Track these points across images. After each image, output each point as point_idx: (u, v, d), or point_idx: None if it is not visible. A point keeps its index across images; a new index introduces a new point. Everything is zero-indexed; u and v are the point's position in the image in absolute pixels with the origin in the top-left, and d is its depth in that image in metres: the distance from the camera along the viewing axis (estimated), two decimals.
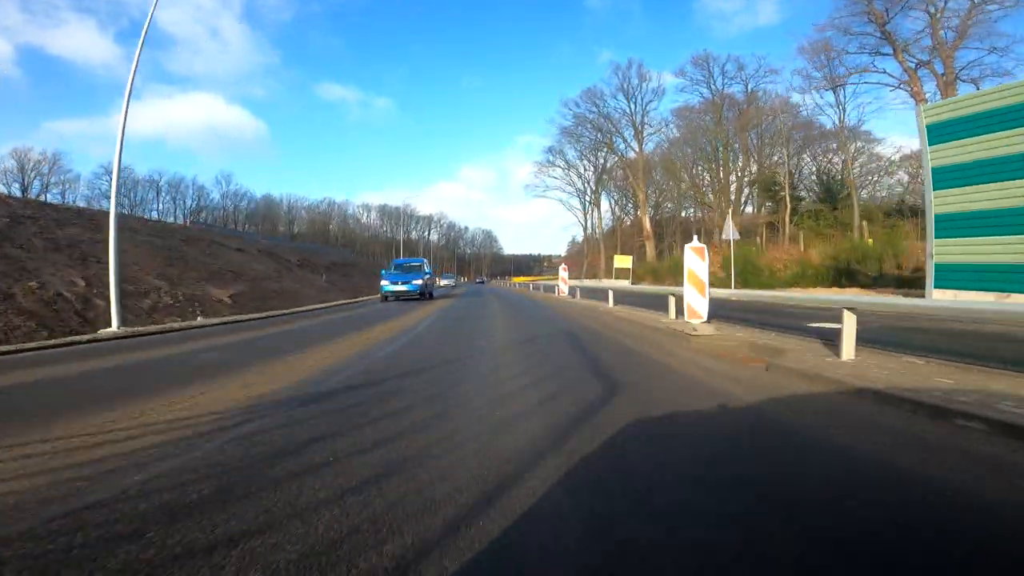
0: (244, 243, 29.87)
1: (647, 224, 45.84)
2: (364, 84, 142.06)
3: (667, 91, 62.48)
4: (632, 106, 46.98)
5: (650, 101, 46.97)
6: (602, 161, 55.35)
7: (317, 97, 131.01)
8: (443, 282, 43.39)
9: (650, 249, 44.49)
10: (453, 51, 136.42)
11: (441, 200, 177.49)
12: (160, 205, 66.51)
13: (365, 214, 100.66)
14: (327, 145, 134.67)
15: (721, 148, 40.95)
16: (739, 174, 41.23)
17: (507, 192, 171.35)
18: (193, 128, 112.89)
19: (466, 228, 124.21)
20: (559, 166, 57.58)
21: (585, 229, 63.80)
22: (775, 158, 38.51)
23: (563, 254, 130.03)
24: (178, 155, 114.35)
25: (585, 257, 61.91)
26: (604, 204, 61.40)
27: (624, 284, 28.05)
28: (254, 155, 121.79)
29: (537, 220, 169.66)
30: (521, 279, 78.29)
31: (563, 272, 18.21)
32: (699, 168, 44.37)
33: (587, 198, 61.29)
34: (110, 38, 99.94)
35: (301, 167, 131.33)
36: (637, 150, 46.68)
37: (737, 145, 41.05)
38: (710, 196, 41.40)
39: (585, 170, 57.83)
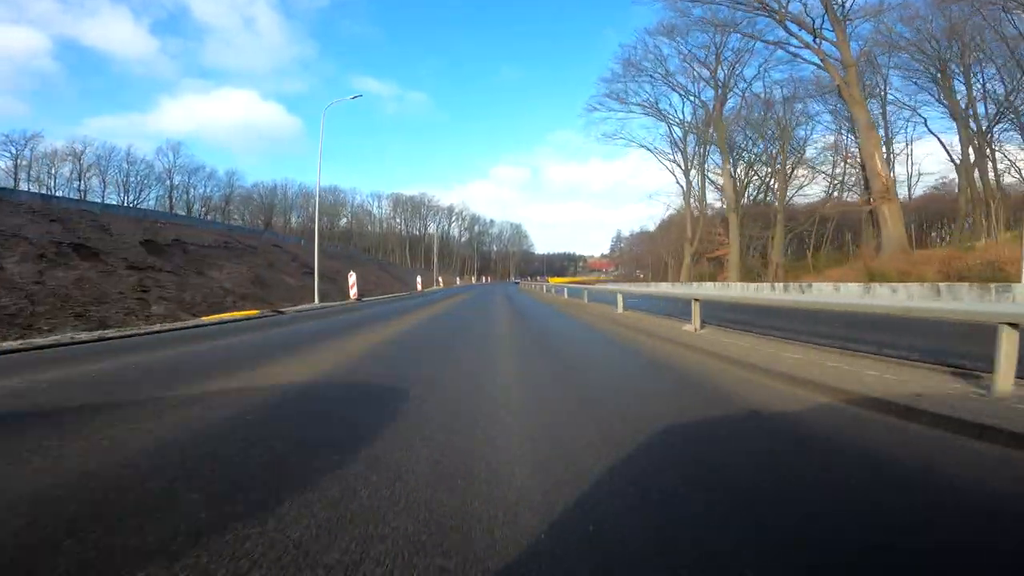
0: None
1: (880, 167, 24.36)
2: (400, 77, 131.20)
3: None
4: None
5: None
6: (725, 72, 33.21)
7: (352, 91, 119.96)
8: None
9: (891, 218, 23.46)
10: (491, 41, 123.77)
11: (470, 199, 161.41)
12: (84, 183, 51.03)
13: (376, 203, 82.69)
14: (359, 141, 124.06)
15: None
16: None
17: (540, 191, 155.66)
18: (227, 121, 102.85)
19: (491, 221, 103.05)
20: (645, 79, 34.73)
21: (688, 195, 39.28)
22: None
23: (602, 254, 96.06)
24: (213, 149, 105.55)
25: (689, 242, 40.19)
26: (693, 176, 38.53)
27: None
28: (284, 150, 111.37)
29: (571, 221, 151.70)
30: (559, 280, 58.38)
31: None
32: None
33: (691, 141, 37.47)
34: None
35: (330, 163, 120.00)
36: (837, 41, 25.23)
37: None
38: None
39: (696, 88, 34.65)
